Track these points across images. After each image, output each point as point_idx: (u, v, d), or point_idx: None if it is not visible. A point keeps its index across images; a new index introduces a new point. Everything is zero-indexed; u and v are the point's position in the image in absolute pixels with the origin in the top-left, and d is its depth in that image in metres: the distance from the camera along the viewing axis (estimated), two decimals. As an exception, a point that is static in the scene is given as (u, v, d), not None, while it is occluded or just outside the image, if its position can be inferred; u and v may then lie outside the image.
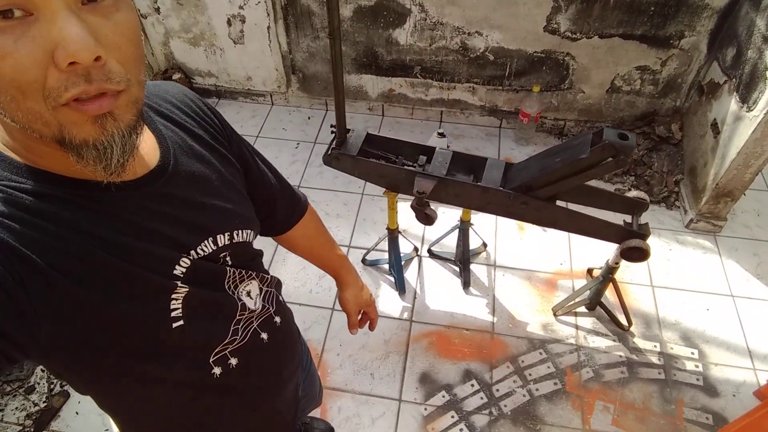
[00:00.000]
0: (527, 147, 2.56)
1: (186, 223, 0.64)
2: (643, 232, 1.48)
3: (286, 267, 2.11)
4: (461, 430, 1.67)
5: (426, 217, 1.58)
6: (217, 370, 0.73)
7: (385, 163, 1.54)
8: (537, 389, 1.76)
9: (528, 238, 2.20)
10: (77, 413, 1.72)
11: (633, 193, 1.55)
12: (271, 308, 0.82)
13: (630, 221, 1.53)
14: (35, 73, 0.44)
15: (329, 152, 1.55)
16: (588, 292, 1.88)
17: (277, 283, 0.88)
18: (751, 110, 1.80)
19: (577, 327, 1.92)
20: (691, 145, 2.28)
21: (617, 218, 1.53)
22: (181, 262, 0.62)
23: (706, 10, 2.07)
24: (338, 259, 1.09)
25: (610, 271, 1.72)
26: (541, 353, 1.85)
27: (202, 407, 0.77)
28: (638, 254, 1.49)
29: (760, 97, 1.76)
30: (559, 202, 1.49)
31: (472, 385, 1.77)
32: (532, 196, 1.44)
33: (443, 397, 1.75)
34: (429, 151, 1.56)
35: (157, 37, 2.64)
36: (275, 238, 1.00)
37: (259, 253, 0.83)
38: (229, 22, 2.49)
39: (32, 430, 1.68)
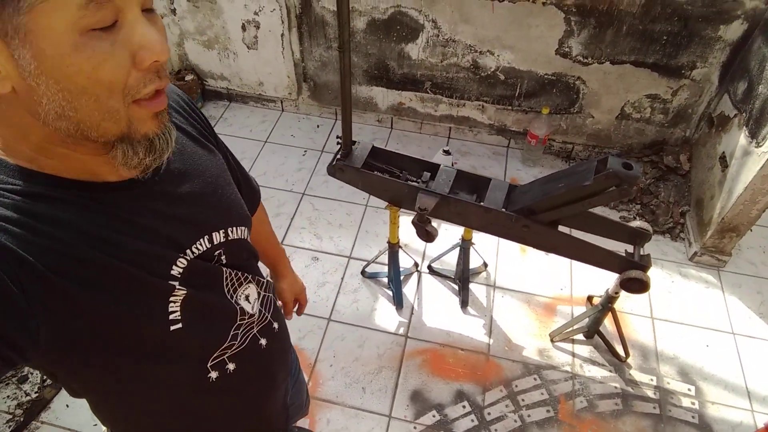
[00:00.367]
0: (534, 168, 2.56)
1: (181, 221, 0.64)
2: (643, 263, 1.47)
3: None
4: (449, 452, 1.64)
5: (427, 234, 1.57)
6: (213, 375, 0.73)
7: (389, 178, 1.54)
8: (529, 415, 1.73)
9: (529, 260, 2.18)
10: (68, 405, 1.73)
11: (636, 223, 1.53)
12: (267, 313, 0.82)
13: (632, 251, 1.51)
14: (124, 73, 0.49)
15: (334, 163, 1.55)
16: (587, 319, 1.86)
17: (274, 288, 0.88)
18: (760, 146, 1.78)
19: (573, 354, 1.89)
20: (698, 176, 2.27)
21: (620, 247, 1.51)
22: (178, 263, 0.63)
23: (718, 42, 2.07)
24: (278, 251, 1.12)
25: (609, 301, 1.70)
26: (535, 379, 1.82)
27: (195, 410, 0.77)
28: (638, 285, 1.47)
29: (771, 133, 1.75)
30: (562, 228, 1.48)
31: (464, 407, 1.75)
32: (533, 220, 1.43)
33: (433, 416, 1.72)
34: (433, 168, 1.55)
35: (172, 38, 2.67)
36: None
37: (255, 255, 0.82)
38: (243, 27, 2.51)
39: (22, 419, 1.68)
